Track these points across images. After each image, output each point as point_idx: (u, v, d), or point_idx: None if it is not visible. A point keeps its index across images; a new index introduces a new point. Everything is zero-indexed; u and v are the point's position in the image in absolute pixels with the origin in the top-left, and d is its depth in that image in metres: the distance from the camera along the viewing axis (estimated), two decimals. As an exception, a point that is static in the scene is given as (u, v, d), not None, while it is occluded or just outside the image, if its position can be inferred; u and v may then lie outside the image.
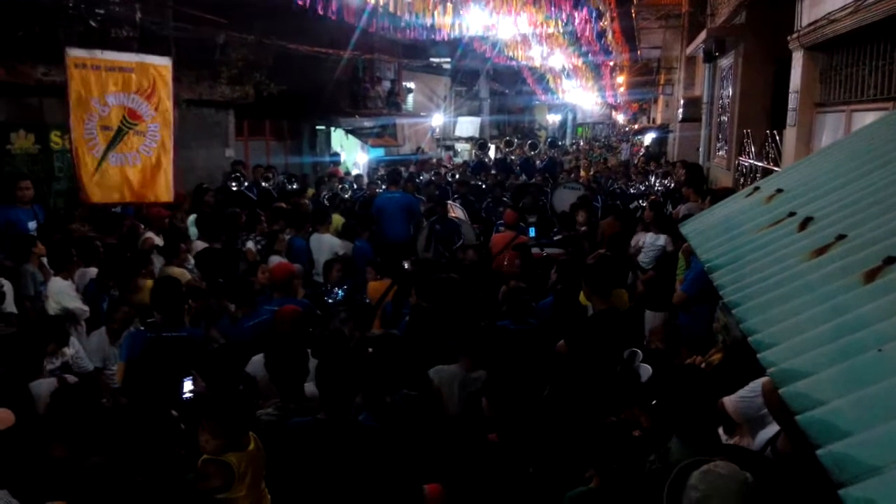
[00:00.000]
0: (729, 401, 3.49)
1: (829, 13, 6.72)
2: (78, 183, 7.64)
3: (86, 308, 5.69)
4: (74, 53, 7.46)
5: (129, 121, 7.81)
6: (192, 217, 8.49)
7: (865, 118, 6.36)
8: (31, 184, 7.23)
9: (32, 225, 6.98)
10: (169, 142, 8.14)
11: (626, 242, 8.01)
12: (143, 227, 7.77)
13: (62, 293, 5.62)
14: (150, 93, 7.93)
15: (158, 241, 7.24)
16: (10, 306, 5.39)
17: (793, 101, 8.26)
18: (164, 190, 8.08)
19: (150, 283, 6.23)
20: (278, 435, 3.35)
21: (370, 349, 4.05)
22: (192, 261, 7.09)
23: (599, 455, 2.93)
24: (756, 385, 3.39)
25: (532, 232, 8.54)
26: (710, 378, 3.62)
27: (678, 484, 2.27)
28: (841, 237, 2.22)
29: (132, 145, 7.87)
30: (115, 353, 5.37)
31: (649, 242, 7.56)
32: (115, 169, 7.76)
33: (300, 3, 9.75)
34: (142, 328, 4.87)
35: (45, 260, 5.99)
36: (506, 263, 7.27)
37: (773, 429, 3.07)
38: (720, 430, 3.40)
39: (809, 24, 7.45)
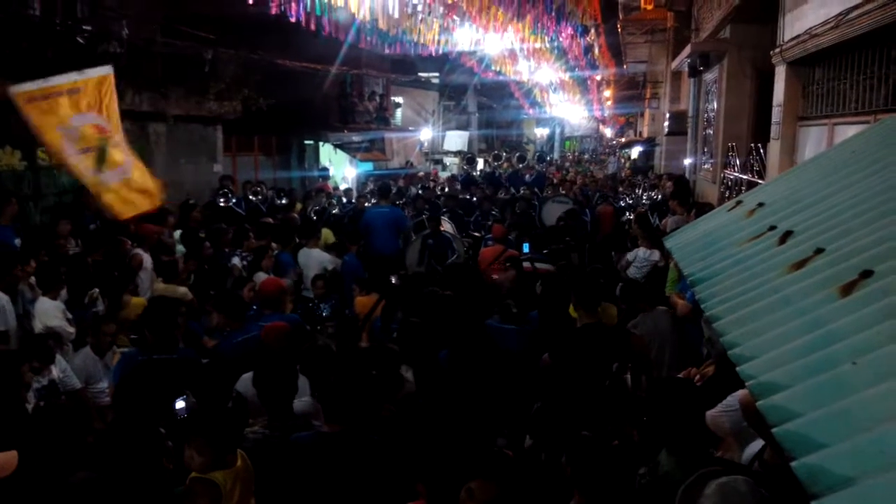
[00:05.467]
0: (710, 415, 3.51)
1: (811, 28, 6.83)
2: (101, 204, 7.47)
3: (72, 330, 5.65)
4: (19, 89, 7.29)
5: (102, 137, 7.73)
6: (178, 233, 8.48)
7: (847, 131, 6.45)
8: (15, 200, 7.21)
9: (17, 242, 6.95)
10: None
11: (622, 237, 8.06)
12: (130, 243, 7.74)
13: (48, 313, 5.58)
14: (100, 107, 7.83)
15: (147, 258, 7.23)
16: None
17: (776, 114, 8.36)
18: (152, 198, 8.02)
19: (134, 299, 6.24)
20: (275, 451, 3.34)
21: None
22: (193, 277, 7.10)
23: (579, 471, 2.92)
24: (734, 398, 3.42)
25: (526, 248, 8.57)
26: (701, 391, 3.65)
27: (694, 491, 2.27)
28: (819, 251, 2.26)
29: (117, 159, 7.79)
30: (101, 371, 5.36)
31: (642, 257, 7.55)
32: (109, 189, 7.66)
33: (291, 19, 9.80)
34: (134, 350, 4.86)
35: (33, 279, 5.95)
36: (496, 276, 7.29)
37: (760, 441, 3.09)
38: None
39: (792, 39, 7.56)
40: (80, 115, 7.57)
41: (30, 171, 8.88)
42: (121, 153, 7.76)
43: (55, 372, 4.89)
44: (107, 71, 7.94)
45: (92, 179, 7.37)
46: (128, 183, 7.65)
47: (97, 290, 6.15)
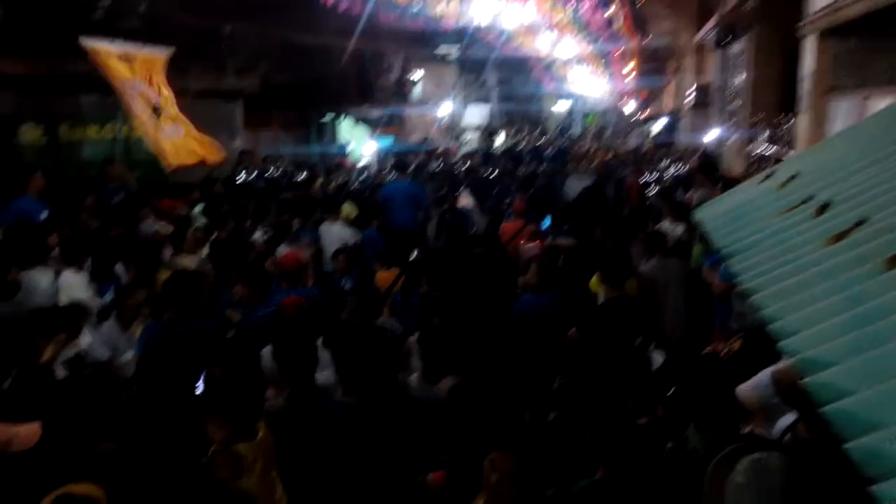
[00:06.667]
0: (742, 389, 3.46)
1: (842, -3, 6.64)
2: (156, 151, 8.11)
3: (96, 302, 5.70)
4: (89, 43, 7.56)
5: (153, 103, 8.10)
6: (198, 207, 8.49)
7: (879, 103, 6.27)
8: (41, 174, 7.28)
9: (43, 216, 7.00)
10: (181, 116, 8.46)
11: (648, 211, 8.01)
12: (153, 217, 7.77)
13: (72, 287, 5.62)
14: (150, 81, 8.13)
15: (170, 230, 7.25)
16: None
17: (805, 86, 8.17)
18: (212, 152, 8.52)
19: (163, 273, 6.26)
20: (297, 422, 3.34)
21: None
22: (207, 250, 7.10)
23: (603, 445, 2.89)
24: (768, 374, 3.35)
25: (547, 222, 8.48)
26: (728, 366, 3.59)
27: (725, 466, 2.23)
28: (860, 222, 2.17)
29: (174, 119, 8.18)
30: (125, 343, 5.40)
31: (667, 230, 7.42)
32: (166, 140, 8.01)
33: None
34: (157, 321, 4.89)
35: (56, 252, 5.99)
36: (527, 248, 7.23)
37: (792, 416, 3.04)
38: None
39: (821, 9, 7.36)
40: (134, 81, 7.89)
41: (51, 147, 8.92)
42: (174, 113, 8.10)
43: (82, 343, 4.93)
44: (161, 52, 8.35)
45: (155, 133, 7.72)
46: (188, 134, 8.05)
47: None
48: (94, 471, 2.61)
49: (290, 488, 3.21)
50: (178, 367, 3.86)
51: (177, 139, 8.24)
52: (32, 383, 3.96)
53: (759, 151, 10.36)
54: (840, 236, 2.14)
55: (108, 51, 7.76)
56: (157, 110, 8.08)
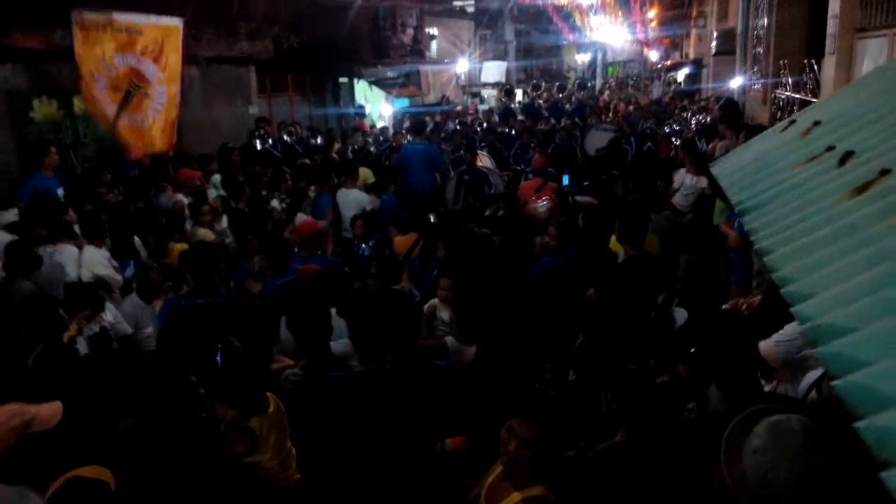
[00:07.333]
0: (765, 345, 3.37)
1: (871, -70, 6.31)
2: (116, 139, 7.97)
3: (119, 277, 5.74)
4: (82, 15, 7.42)
5: (135, 84, 7.86)
6: (215, 177, 8.48)
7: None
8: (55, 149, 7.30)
9: (60, 192, 7.04)
10: (176, 98, 8.25)
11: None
12: (171, 188, 7.78)
13: (94, 262, 5.67)
14: (158, 54, 7.97)
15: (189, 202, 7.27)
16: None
17: (832, 26, 7.85)
18: (165, 141, 8.27)
19: (178, 245, 6.29)
20: (312, 392, 3.34)
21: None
22: (225, 222, 7.11)
23: (624, 406, 2.85)
24: (792, 328, 3.27)
25: (565, 180, 8.32)
26: (750, 323, 3.50)
27: (743, 428, 2.17)
28: (885, 172, 2.04)
29: (142, 108, 7.96)
30: (148, 317, 5.45)
31: (689, 184, 7.21)
32: (127, 129, 7.88)
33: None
34: (177, 295, 4.90)
35: (76, 228, 6.03)
36: (539, 207, 7.12)
37: (817, 372, 2.96)
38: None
39: (849, -57, 7.02)
40: (126, 56, 7.72)
41: (67, 121, 8.91)
42: (148, 105, 7.91)
43: (107, 319, 4.98)
44: (175, 22, 8.13)
45: (110, 116, 7.59)
46: (140, 132, 7.91)
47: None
48: (111, 450, 2.62)
49: (307, 458, 3.22)
50: (197, 339, 3.87)
51: (143, 128, 8.06)
52: (56, 360, 4.02)
53: (783, 97, 10.03)
54: (863, 187, 2.01)
55: (105, 21, 7.59)
56: (128, 97, 7.87)
